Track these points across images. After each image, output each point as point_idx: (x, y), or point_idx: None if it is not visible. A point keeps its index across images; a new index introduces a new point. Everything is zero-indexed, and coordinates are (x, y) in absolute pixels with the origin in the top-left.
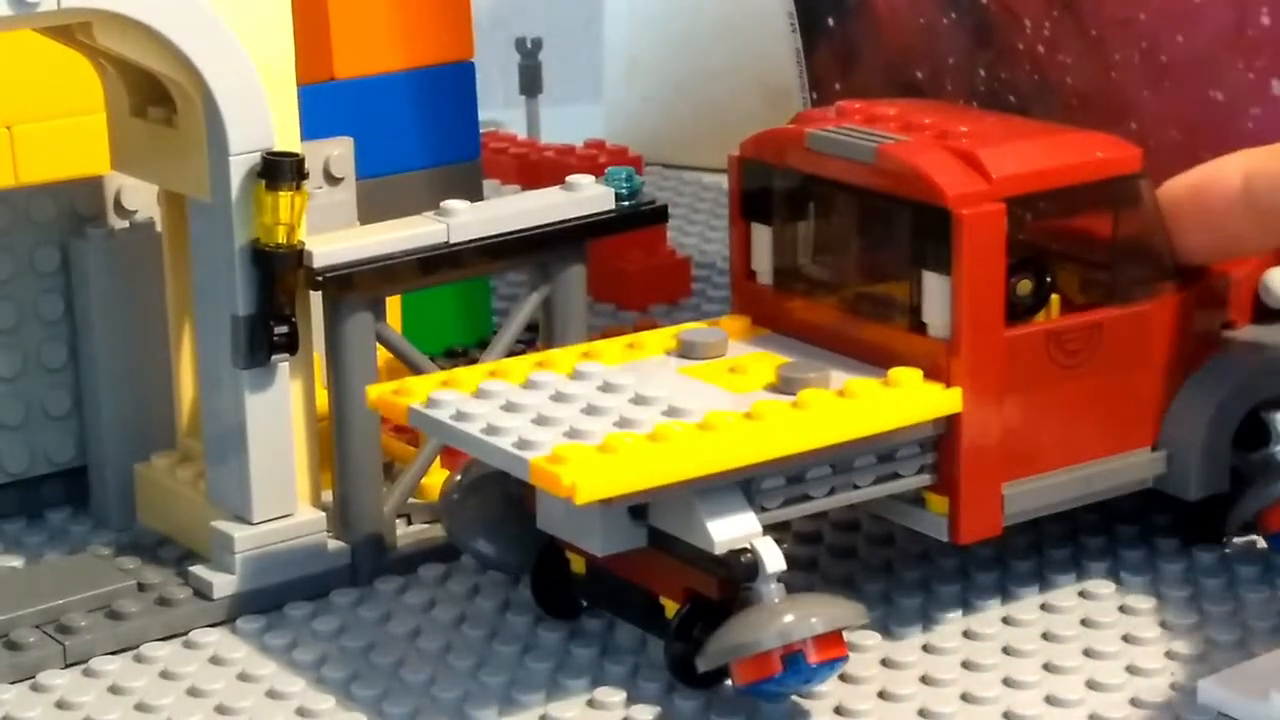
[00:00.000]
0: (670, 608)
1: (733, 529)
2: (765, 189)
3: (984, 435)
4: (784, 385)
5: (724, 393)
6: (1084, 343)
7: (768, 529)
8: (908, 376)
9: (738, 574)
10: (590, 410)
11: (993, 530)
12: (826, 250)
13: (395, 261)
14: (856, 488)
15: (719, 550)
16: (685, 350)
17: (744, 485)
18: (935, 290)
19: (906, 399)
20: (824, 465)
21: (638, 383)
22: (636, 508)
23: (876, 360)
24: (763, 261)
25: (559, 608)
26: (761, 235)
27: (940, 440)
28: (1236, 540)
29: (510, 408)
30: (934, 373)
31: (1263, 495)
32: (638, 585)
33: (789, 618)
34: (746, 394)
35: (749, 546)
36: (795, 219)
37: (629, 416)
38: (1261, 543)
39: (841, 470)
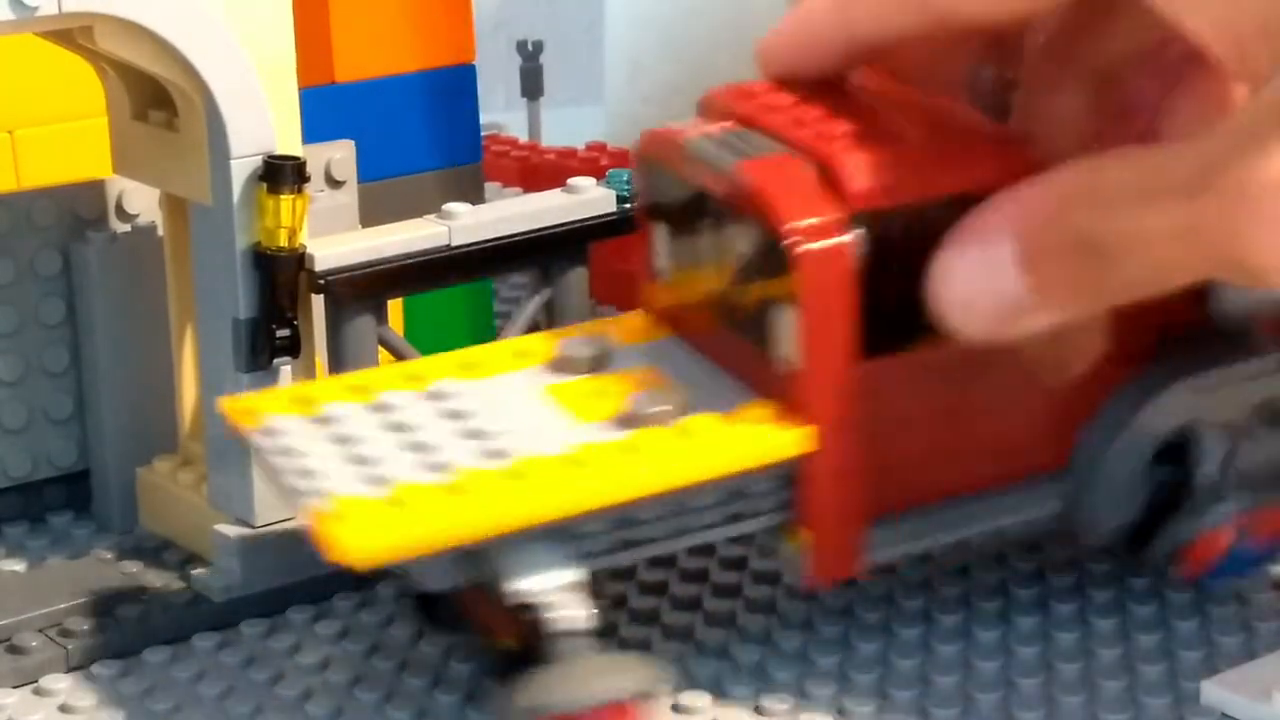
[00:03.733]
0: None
1: (543, 580)
2: (658, 189)
3: (838, 472)
4: (628, 419)
5: (568, 424)
6: (969, 369)
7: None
8: (756, 413)
9: (539, 626)
10: (417, 447)
11: (848, 572)
12: (705, 261)
13: (397, 264)
14: (706, 528)
15: (523, 600)
16: (560, 364)
17: (564, 532)
18: (783, 321)
19: (748, 440)
20: (659, 508)
21: (485, 408)
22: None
23: (751, 381)
24: (663, 260)
25: (441, 628)
26: (660, 234)
27: (796, 476)
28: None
29: (340, 440)
30: (788, 405)
31: (1180, 530)
32: (478, 618)
33: (583, 682)
34: (589, 425)
35: (551, 600)
36: (683, 224)
37: (443, 460)
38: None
39: (682, 512)
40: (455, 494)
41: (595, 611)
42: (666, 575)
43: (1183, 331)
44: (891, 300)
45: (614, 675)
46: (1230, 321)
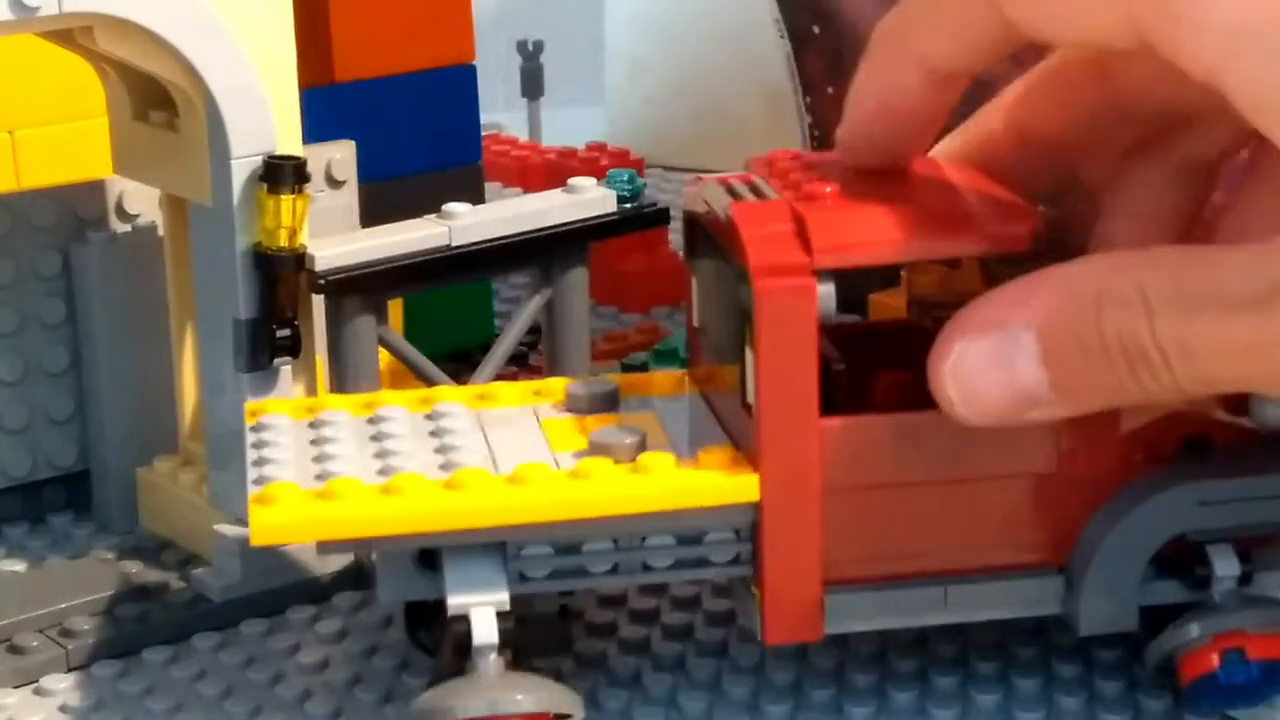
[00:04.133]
0: None
1: (470, 594)
2: (692, 237)
3: (792, 530)
4: (589, 450)
5: (535, 451)
6: (950, 439)
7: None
8: (714, 458)
9: (457, 638)
10: (382, 454)
11: (809, 635)
12: (710, 311)
13: (397, 264)
14: (650, 568)
15: (451, 612)
16: (567, 404)
17: (501, 549)
18: (748, 364)
19: (693, 480)
20: (603, 539)
21: (470, 431)
22: (427, 559)
23: (733, 432)
24: (697, 314)
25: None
26: (695, 286)
27: (754, 529)
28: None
29: (317, 440)
30: (746, 453)
31: (1173, 638)
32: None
33: (483, 692)
34: (554, 453)
35: (474, 614)
36: (706, 272)
37: (397, 466)
38: None
39: (628, 548)
40: (385, 494)
41: (511, 627)
42: (658, 602)
43: (1215, 437)
44: (869, 359)
45: (517, 691)
46: (1272, 432)
